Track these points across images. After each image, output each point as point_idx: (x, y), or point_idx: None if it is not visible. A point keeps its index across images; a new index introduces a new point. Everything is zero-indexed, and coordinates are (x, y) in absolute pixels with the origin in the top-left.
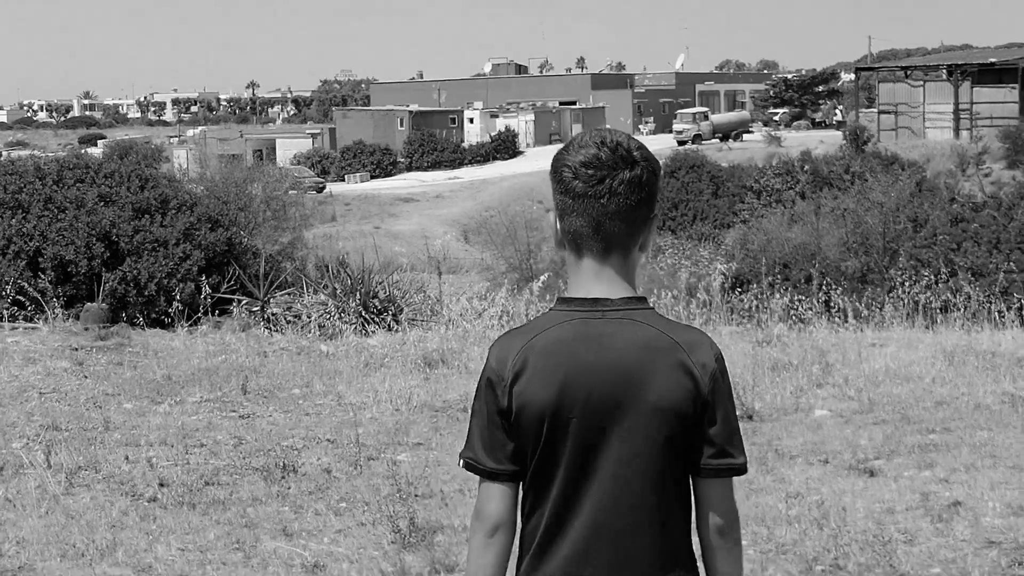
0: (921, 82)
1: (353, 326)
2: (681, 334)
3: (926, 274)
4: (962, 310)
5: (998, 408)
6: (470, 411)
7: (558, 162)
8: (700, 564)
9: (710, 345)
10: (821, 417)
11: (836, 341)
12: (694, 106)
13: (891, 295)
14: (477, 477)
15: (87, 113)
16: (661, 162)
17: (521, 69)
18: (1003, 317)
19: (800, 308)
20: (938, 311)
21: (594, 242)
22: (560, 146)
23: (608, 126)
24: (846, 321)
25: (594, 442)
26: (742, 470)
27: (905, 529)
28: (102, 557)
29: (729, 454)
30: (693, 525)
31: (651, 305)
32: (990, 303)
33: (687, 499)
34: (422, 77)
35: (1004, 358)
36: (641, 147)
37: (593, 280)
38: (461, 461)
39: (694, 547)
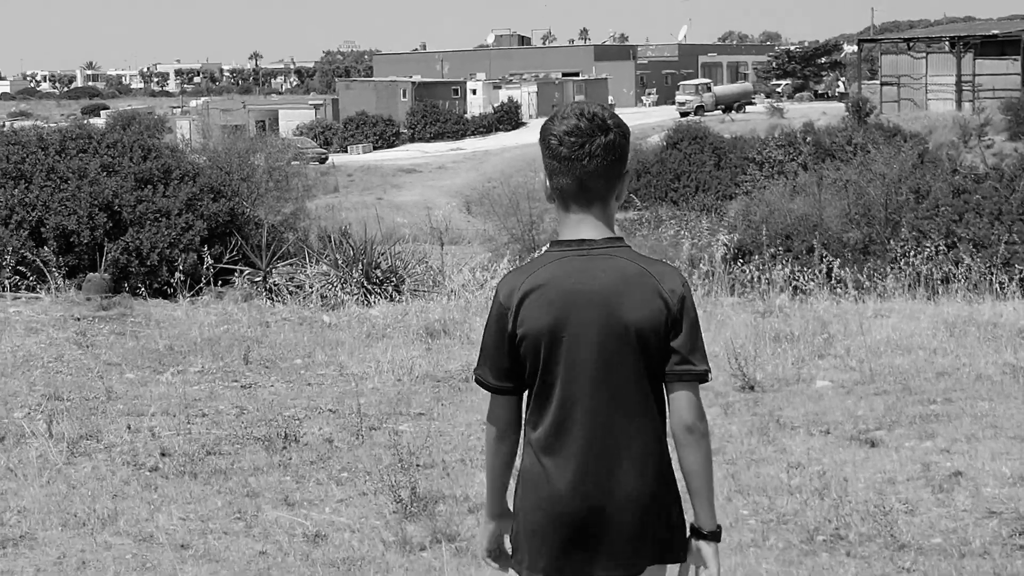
0: (923, 54)
1: (355, 296)
2: (653, 266)
3: (928, 245)
4: (963, 281)
5: (999, 379)
6: (483, 335)
7: (545, 131)
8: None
9: (678, 274)
10: (822, 388)
11: (837, 312)
12: (697, 77)
13: (893, 266)
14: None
15: (90, 84)
16: (664, 133)
17: (524, 40)
18: (1004, 288)
19: (802, 279)
20: (940, 282)
21: (579, 196)
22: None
23: (611, 99)
24: (847, 292)
25: (584, 355)
26: (703, 377)
27: (906, 499)
28: (103, 526)
29: (690, 362)
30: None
31: (628, 244)
32: (991, 274)
33: (662, 401)
34: (425, 48)
35: (1005, 329)
36: (613, 116)
37: (579, 226)
38: (474, 376)
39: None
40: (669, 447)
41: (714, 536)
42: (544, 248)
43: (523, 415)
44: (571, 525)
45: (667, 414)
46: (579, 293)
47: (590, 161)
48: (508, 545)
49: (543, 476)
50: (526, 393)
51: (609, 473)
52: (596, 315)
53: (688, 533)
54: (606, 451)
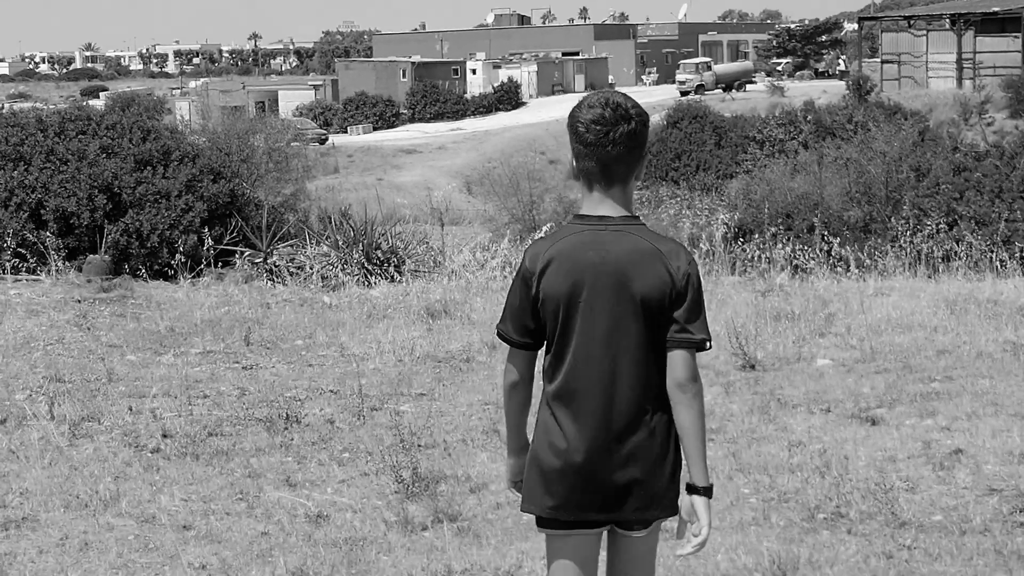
0: (924, 31)
1: (356, 277)
2: (664, 244)
3: (928, 223)
4: (964, 259)
5: (1000, 356)
6: (507, 295)
7: (573, 119)
8: None
9: (686, 253)
10: (823, 366)
11: (838, 291)
12: (697, 56)
13: (893, 244)
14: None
15: (89, 65)
16: (664, 112)
17: (524, 20)
18: (1005, 266)
19: (802, 258)
20: (940, 260)
21: (601, 178)
22: (573, 102)
23: (611, 79)
24: (848, 271)
25: (596, 319)
26: (701, 345)
27: (907, 477)
28: (106, 508)
29: (688, 330)
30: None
31: (644, 222)
32: (992, 252)
33: (663, 362)
34: (425, 28)
35: (1006, 307)
36: (635, 105)
37: (600, 204)
38: (497, 331)
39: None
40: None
41: (706, 492)
42: (567, 220)
43: (539, 369)
44: (575, 472)
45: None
46: (595, 264)
47: (613, 148)
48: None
49: (555, 425)
50: (543, 350)
51: (612, 427)
52: (609, 284)
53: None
54: (610, 407)
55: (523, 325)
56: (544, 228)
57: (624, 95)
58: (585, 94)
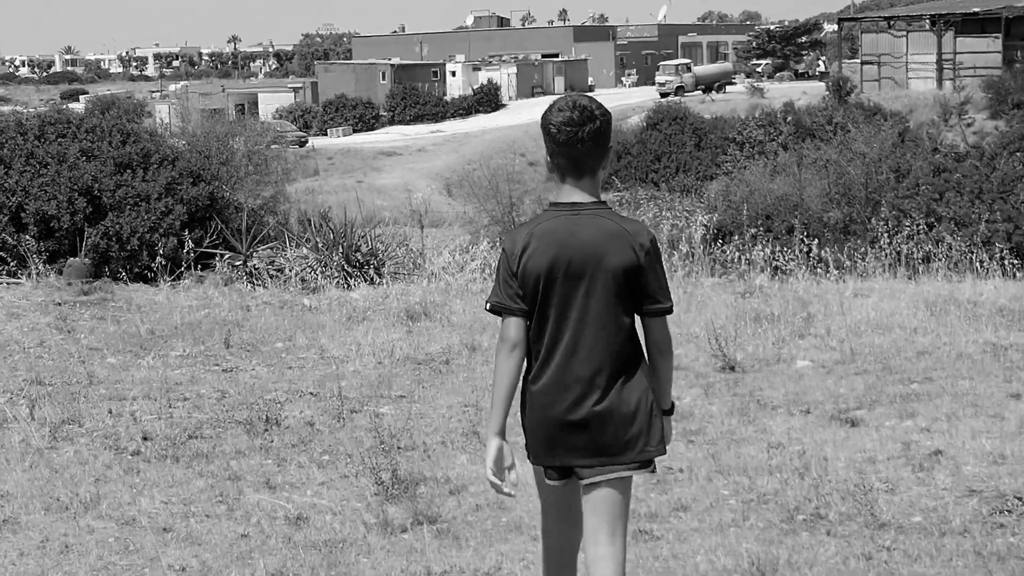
0: (904, 32)
1: (335, 280)
2: (629, 225)
3: (908, 224)
4: (944, 260)
5: (980, 357)
6: (494, 276)
7: (545, 121)
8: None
9: (647, 232)
10: (803, 368)
11: (818, 292)
12: (677, 58)
13: (873, 246)
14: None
15: (69, 68)
16: (644, 114)
17: (503, 22)
18: (985, 267)
19: (782, 259)
20: (920, 261)
21: (573, 171)
22: (545, 105)
23: (591, 81)
24: (828, 272)
25: (573, 292)
26: (668, 311)
27: (886, 478)
28: (86, 510)
29: (658, 300)
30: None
31: (610, 207)
32: (972, 253)
33: (632, 328)
34: (404, 30)
35: (985, 308)
36: (599, 106)
37: (572, 193)
38: (488, 305)
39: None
40: (641, 364)
41: (669, 412)
42: (544, 208)
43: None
44: (555, 424)
45: (642, 338)
46: (570, 244)
47: (582, 145)
48: (507, 462)
49: (539, 383)
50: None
51: (585, 385)
52: (583, 260)
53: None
54: (585, 368)
55: (515, 295)
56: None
57: (589, 98)
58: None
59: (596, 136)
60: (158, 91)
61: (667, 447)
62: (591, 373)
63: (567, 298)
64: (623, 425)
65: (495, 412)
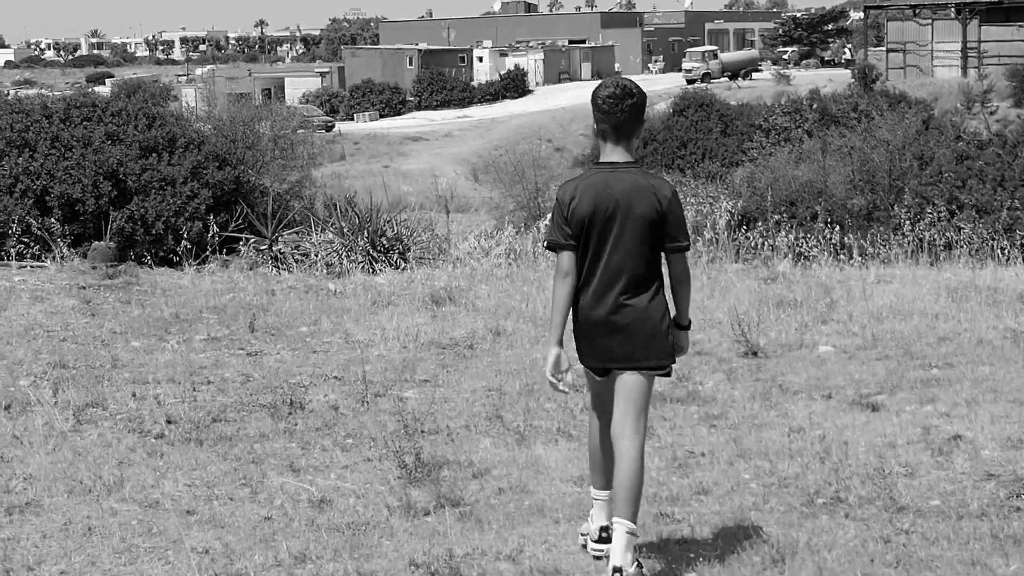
0: (929, 20)
1: (360, 264)
2: (654, 180)
3: (931, 212)
4: (966, 247)
5: (1000, 343)
6: (549, 222)
7: (594, 95)
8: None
9: (669, 186)
10: (825, 353)
11: (841, 278)
12: (703, 45)
13: (896, 232)
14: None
15: (95, 52)
16: (671, 100)
17: (531, 8)
18: (1006, 254)
19: (805, 246)
20: (942, 248)
21: (613, 136)
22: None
23: (617, 67)
24: (851, 258)
25: (609, 231)
26: (686, 248)
27: (906, 463)
28: (109, 493)
29: (677, 240)
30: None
31: (640, 167)
32: (994, 240)
33: (656, 262)
34: (431, 15)
35: (1006, 294)
36: (637, 86)
37: (612, 153)
38: (545, 243)
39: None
40: (661, 291)
41: (687, 327)
42: (589, 167)
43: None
44: (596, 329)
45: (665, 271)
46: (607, 195)
47: (622, 115)
48: (564, 366)
49: (584, 298)
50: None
51: (619, 299)
52: (618, 208)
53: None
54: (618, 287)
55: (566, 233)
56: (549, 215)
57: (629, 80)
58: (592, 82)
59: (633, 109)
60: (184, 75)
61: (686, 355)
62: (621, 291)
63: (604, 236)
64: (645, 337)
65: (554, 326)
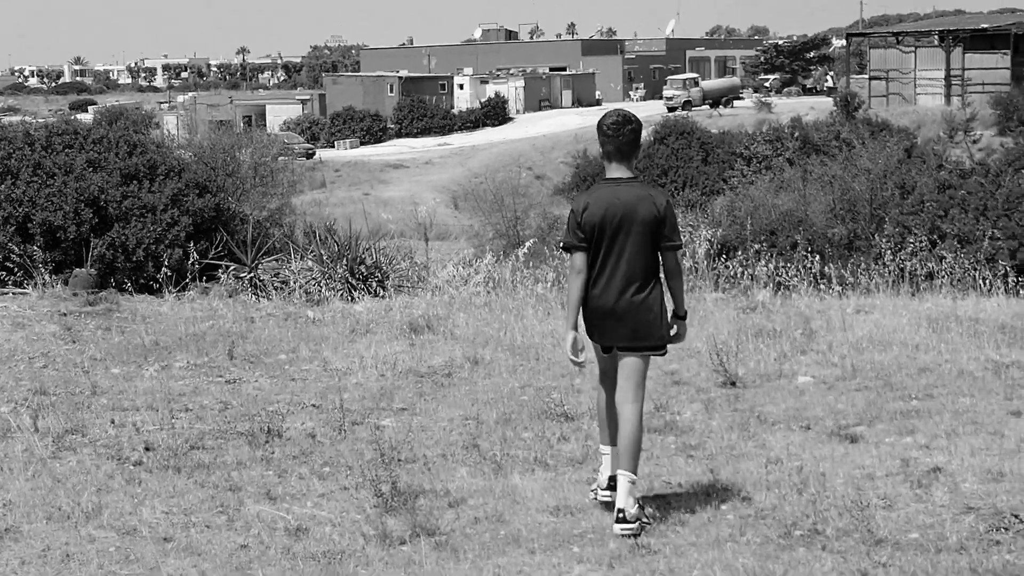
0: (912, 48)
1: (339, 292)
2: (652, 191)
3: (912, 241)
4: (947, 277)
5: (981, 375)
6: (565, 229)
7: (600, 123)
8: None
9: (664, 196)
10: (804, 383)
11: (820, 308)
12: (684, 72)
13: (877, 262)
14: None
15: (78, 79)
16: (652, 128)
17: (511, 35)
18: (988, 284)
19: (785, 275)
20: (923, 278)
21: (617, 156)
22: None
23: (598, 95)
24: (831, 288)
25: (616, 235)
26: (679, 246)
27: (884, 495)
28: (88, 520)
29: (671, 240)
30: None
31: (641, 180)
32: (976, 270)
33: (655, 261)
34: (412, 43)
35: (988, 325)
36: (635, 116)
37: (616, 171)
38: (562, 244)
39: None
40: (658, 286)
41: (684, 316)
42: (598, 182)
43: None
44: (604, 315)
45: (660, 266)
46: (615, 203)
47: (623, 138)
48: (580, 347)
49: (595, 289)
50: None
51: (623, 291)
52: (623, 215)
53: (671, 319)
54: (622, 281)
55: (579, 237)
56: (527, 243)
57: (629, 111)
58: (573, 109)
59: (632, 133)
60: (166, 102)
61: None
62: (625, 284)
63: (613, 239)
64: (644, 322)
65: (570, 314)
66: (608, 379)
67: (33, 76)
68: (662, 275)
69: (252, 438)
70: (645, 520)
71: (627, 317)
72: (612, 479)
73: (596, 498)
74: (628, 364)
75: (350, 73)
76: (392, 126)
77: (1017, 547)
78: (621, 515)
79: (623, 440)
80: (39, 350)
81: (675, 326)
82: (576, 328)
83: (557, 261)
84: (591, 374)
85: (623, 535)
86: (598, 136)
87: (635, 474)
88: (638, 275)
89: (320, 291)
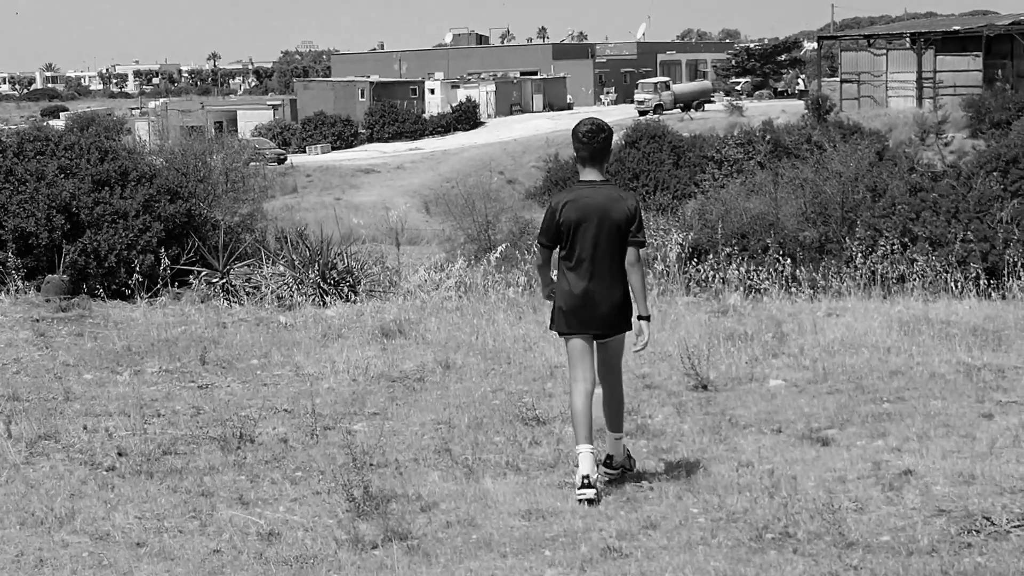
0: (884, 51)
1: (311, 297)
2: (623, 193)
3: (883, 244)
4: (919, 280)
5: (953, 377)
6: (541, 225)
7: (575, 130)
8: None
9: (634, 198)
10: (775, 387)
11: (792, 311)
12: (655, 76)
13: (848, 265)
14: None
15: (49, 85)
16: (622, 132)
17: (482, 39)
18: (960, 287)
19: (757, 278)
20: (895, 281)
21: (590, 161)
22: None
23: (569, 99)
24: (802, 291)
25: (589, 233)
26: (642, 243)
27: (856, 498)
28: (61, 525)
29: (636, 236)
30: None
31: (613, 184)
32: (947, 273)
33: (622, 254)
34: (383, 48)
35: (959, 327)
36: (607, 124)
37: (590, 174)
38: (536, 243)
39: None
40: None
41: (647, 318)
42: (574, 184)
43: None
44: (578, 307)
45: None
46: (589, 205)
47: (597, 145)
48: (553, 296)
49: (568, 285)
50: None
51: (598, 285)
52: (597, 215)
53: (635, 318)
54: (596, 275)
55: (552, 237)
56: (500, 248)
57: (601, 119)
58: (544, 113)
59: (604, 140)
60: (138, 108)
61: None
62: (601, 276)
63: (586, 237)
64: (615, 310)
65: (544, 287)
66: (582, 371)
67: (4, 83)
68: None
69: (224, 443)
70: (627, 467)
71: (604, 305)
72: (587, 477)
73: (580, 497)
74: (608, 347)
75: (321, 78)
76: (363, 131)
77: (988, 549)
78: (609, 461)
79: (611, 406)
80: (11, 356)
81: (641, 328)
82: (550, 288)
83: (529, 266)
84: (563, 378)
85: (609, 477)
86: (573, 143)
87: (622, 431)
88: (612, 268)
89: (292, 296)
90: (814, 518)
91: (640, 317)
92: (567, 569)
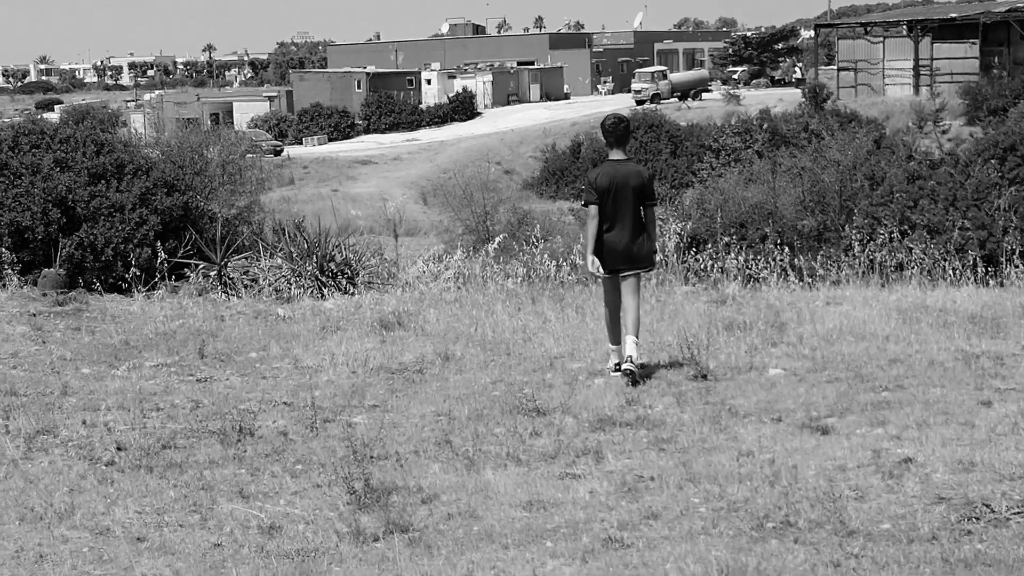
0: (881, 38)
1: (309, 290)
2: (640, 167)
3: (882, 232)
4: (917, 268)
5: (951, 365)
6: (584, 192)
7: (603, 123)
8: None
9: (647, 171)
10: (775, 376)
11: (791, 300)
12: (653, 65)
13: (847, 253)
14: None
15: (44, 78)
16: None
17: (479, 29)
18: (958, 274)
19: (755, 268)
20: (893, 269)
21: (616, 144)
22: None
23: (567, 88)
24: (801, 280)
25: (618, 197)
26: (655, 204)
27: (856, 486)
28: (60, 520)
29: (651, 199)
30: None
31: (633, 160)
32: (945, 261)
33: (642, 216)
34: (379, 38)
35: (958, 315)
36: (627, 116)
37: (616, 154)
38: (583, 201)
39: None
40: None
41: (654, 251)
42: (605, 161)
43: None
44: (616, 252)
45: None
46: (616, 175)
47: (620, 131)
48: (598, 264)
49: (608, 237)
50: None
51: (629, 237)
52: (624, 183)
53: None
54: (627, 229)
55: (593, 196)
56: (497, 239)
57: (623, 112)
58: (541, 103)
59: (625, 128)
60: (133, 100)
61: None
62: (626, 229)
63: (616, 200)
64: (640, 255)
65: (589, 246)
66: (612, 297)
67: None
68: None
69: (224, 437)
70: (630, 373)
71: (629, 250)
72: (618, 366)
73: (627, 369)
74: (630, 281)
75: (317, 69)
76: (360, 122)
77: (988, 536)
78: (630, 359)
79: (629, 320)
80: (8, 351)
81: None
82: (595, 253)
83: (527, 256)
84: (562, 369)
85: (628, 372)
86: (602, 132)
87: (637, 336)
88: (634, 223)
89: (290, 289)
90: (815, 507)
91: (652, 252)
92: (569, 560)
